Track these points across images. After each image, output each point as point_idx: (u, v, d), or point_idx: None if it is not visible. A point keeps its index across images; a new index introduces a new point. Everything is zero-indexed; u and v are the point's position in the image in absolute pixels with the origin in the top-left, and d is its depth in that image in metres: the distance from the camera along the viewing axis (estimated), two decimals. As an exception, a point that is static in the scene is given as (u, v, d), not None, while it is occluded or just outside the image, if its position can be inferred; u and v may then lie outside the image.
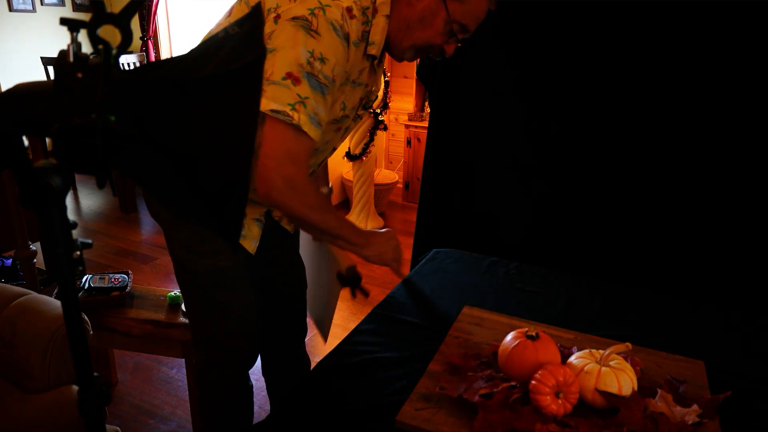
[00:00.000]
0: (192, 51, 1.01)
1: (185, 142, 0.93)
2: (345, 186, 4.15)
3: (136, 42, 5.08)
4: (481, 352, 1.21)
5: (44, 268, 2.54)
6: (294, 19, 1.00)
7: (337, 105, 1.16)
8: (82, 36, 0.50)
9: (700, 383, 1.15)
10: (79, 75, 0.49)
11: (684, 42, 1.68)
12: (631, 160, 1.84)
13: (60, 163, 0.54)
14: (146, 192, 1.15)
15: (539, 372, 0.99)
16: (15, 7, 4.72)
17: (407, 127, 4.12)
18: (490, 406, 0.99)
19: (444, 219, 2.20)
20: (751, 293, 1.73)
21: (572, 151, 1.93)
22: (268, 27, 1.00)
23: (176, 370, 2.20)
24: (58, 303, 1.46)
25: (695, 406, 1.01)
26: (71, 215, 1.61)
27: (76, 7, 5.20)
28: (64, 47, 0.50)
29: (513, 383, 1.05)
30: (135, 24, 5.00)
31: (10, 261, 2.72)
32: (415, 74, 3.95)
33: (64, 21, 0.52)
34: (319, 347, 2.40)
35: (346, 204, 4.18)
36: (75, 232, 0.58)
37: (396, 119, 4.40)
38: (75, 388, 1.38)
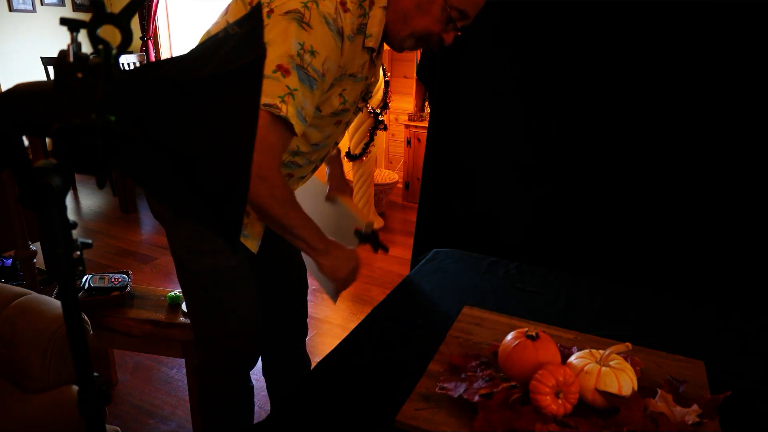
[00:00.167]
0: (192, 51, 1.01)
1: (185, 142, 0.93)
2: (345, 186, 4.14)
3: (136, 42, 5.08)
4: (481, 352, 1.21)
5: (44, 268, 2.54)
6: (287, 13, 1.00)
7: (336, 99, 1.15)
8: (82, 36, 0.50)
9: (700, 383, 1.15)
10: (79, 75, 0.49)
11: (684, 42, 1.68)
12: (631, 161, 1.84)
13: (60, 163, 0.54)
14: (147, 192, 1.15)
15: (539, 372, 0.99)
16: (15, 7, 4.72)
17: (407, 127, 4.12)
18: (490, 406, 0.99)
19: (444, 219, 2.20)
20: (751, 293, 1.73)
21: (572, 151, 1.93)
22: None
23: (176, 370, 2.20)
24: (58, 303, 1.46)
25: (695, 406, 1.01)
26: (71, 215, 1.61)
27: (76, 7, 5.21)
28: (64, 47, 0.50)
29: (513, 383, 1.05)
30: (135, 24, 5.00)
31: (10, 261, 2.72)
32: (415, 74, 3.95)
33: (64, 21, 0.52)
34: (319, 347, 2.40)
35: (346, 204, 4.18)
36: (75, 232, 0.58)
37: (396, 119, 4.40)
38: (75, 388, 1.38)
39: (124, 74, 0.53)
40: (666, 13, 1.68)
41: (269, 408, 1.86)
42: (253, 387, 1.47)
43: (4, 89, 0.58)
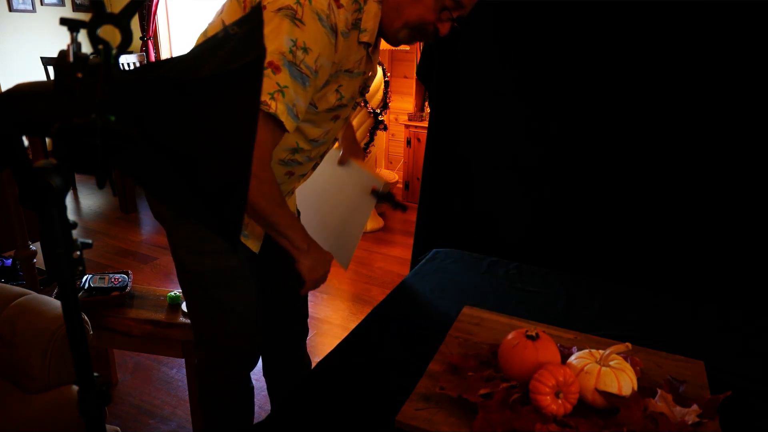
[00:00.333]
0: (192, 51, 1.01)
1: (185, 142, 0.93)
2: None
3: (136, 42, 5.08)
4: (481, 352, 1.21)
5: (44, 268, 2.54)
6: (279, 9, 1.00)
7: (332, 95, 1.15)
8: (82, 36, 0.50)
9: (700, 383, 1.15)
10: (79, 75, 0.49)
11: (684, 42, 1.68)
12: (631, 160, 1.84)
13: (60, 163, 0.54)
14: (147, 192, 1.15)
15: (539, 372, 0.99)
16: (15, 7, 4.72)
17: (407, 127, 4.12)
18: (490, 406, 0.99)
19: (444, 219, 2.20)
20: (751, 293, 1.73)
21: (572, 151, 1.93)
22: None
23: (176, 370, 2.20)
24: (58, 303, 1.46)
25: (695, 406, 1.01)
26: (71, 215, 1.61)
27: (76, 7, 5.21)
28: (64, 47, 0.50)
29: (513, 383, 1.05)
30: (135, 24, 5.00)
31: (10, 261, 2.72)
32: (415, 74, 3.95)
33: (64, 21, 0.52)
34: (319, 347, 2.40)
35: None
36: (75, 232, 0.58)
37: (396, 119, 4.40)
38: (75, 388, 1.38)
39: (124, 74, 0.53)
40: (666, 13, 1.68)
41: (269, 408, 1.86)
42: (253, 387, 1.47)
43: (4, 89, 0.58)
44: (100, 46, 0.50)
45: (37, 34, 4.91)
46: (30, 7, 4.84)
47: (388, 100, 3.60)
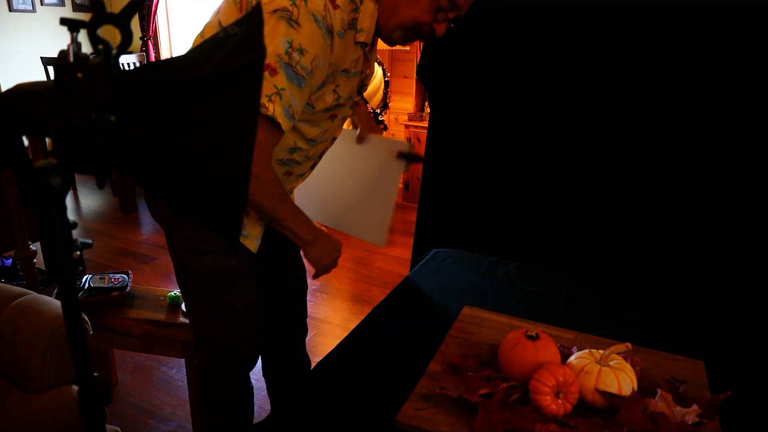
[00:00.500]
0: (192, 51, 1.02)
1: (185, 142, 0.93)
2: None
3: (136, 42, 5.08)
4: (481, 352, 1.21)
5: (44, 268, 2.54)
6: (275, 11, 1.00)
7: (330, 95, 1.15)
8: (82, 36, 0.50)
9: (700, 383, 1.15)
10: (79, 75, 0.49)
11: (684, 42, 1.68)
12: (631, 160, 1.84)
13: (60, 163, 0.54)
14: (147, 192, 1.15)
15: (539, 372, 0.99)
16: (15, 7, 4.72)
17: (407, 127, 4.12)
18: (490, 406, 0.99)
19: (444, 219, 2.20)
20: (751, 293, 1.73)
21: (572, 151, 1.93)
22: None
23: (176, 370, 2.20)
24: (58, 303, 1.46)
25: (695, 406, 1.01)
26: (71, 215, 1.61)
27: (76, 7, 5.21)
28: (64, 47, 0.50)
29: (513, 383, 1.05)
30: (135, 24, 5.00)
31: (10, 261, 2.72)
32: (415, 74, 3.95)
33: (64, 21, 0.52)
34: (319, 347, 2.40)
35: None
36: (75, 232, 0.58)
37: (396, 119, 4.40)
38: (75, 388, 1.38)
39: (124, 74, 0.53)
40: (666, 13, 1.68)
41: (269, 408, 1.86)
42: (252, 387, 1.47)
43: (4, 89, 0.58)
44: (100, 46, 0.50)
45: (37, 34, 4.91)
46: (30, 7, 4.84)
47: (388, 100, 3.60)
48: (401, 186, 4.34)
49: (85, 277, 1.87)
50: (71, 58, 0.49)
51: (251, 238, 1.27)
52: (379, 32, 1.18)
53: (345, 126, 1.54)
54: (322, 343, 2.44)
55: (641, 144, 1.81)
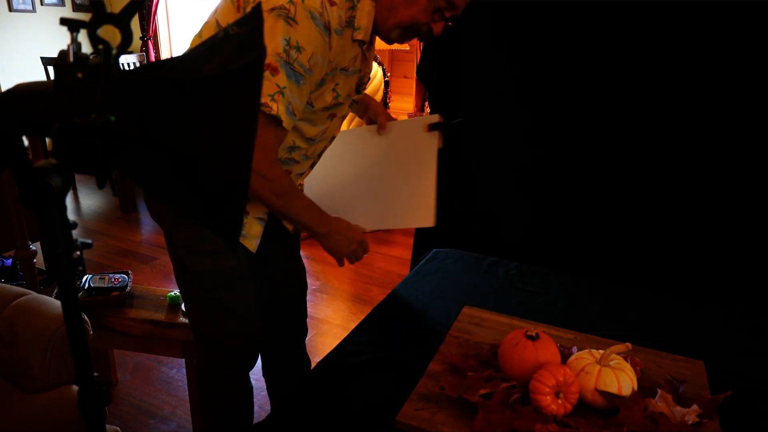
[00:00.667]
0: (192, 51, 1.02)
1: (185, 142, 0.94)
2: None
3: (136, 42, 5.08)
4: (481, 352, 1.21)
5: (44, 268, 2.54)
6: (272, 9, 1.01)
7: (329, 94, 1.16)
8: (82, 36, 0.50)
9: (700, 383, 1.15)
10: (79, 75, 0.49)
11: (684, 42, 1.68)
12: (631, 160, 1.84)
13: (60, 163, 0.54)
14: (146, 192, 1.16)
15: (539, 372, 0.99)
16: (15, 7, 4.72)
17: (407, 127, 4.12)
18: (490, 406, 0.99)
19: (444, 219, 2.20)
20: (751, 293, 1.73)
21: (572, 152, 1.93)
22: None
23: (176, 370, 2.20)
24: (58, 303, 1.46)
25: (695, 406, 1.01)
26: (71, 215, 1.61)
27: (76, 7, 5.20)
28: (64, 47, 0.50)
29: (513, 383, 1.05)
30: (135, 24, 5.00)
31: (10, 261, 2.72)
32: (415, 74, 3.95)
33: (64, 21, 0.52)
34: (319, 347, 2.40)
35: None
36: (75, 232, 0.58)
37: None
38: (75, 388, 1.38)
39: (124, 74, 0.53)
40: (666, 13, 1.68)
41: (269, 408, 1.86)
42: (252, 387, 1.47)
43: (4, 89, 0.58)
44: (100, 46, 0.50)
45: (37, 34, 4.91)
46: (30, 7, 4.83)
47: (388, 100, 3.60)
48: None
49: (85, 277, 1.87)
50: (71, 58, 0.49)
51: (250, 237, 1.27)
52: (377, 31, 1.18)
53: (352, 124, 1.51)
54: (322, 343, 2.44)
55: (641, 144, 1.81)
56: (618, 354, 1.08)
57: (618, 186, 1.88)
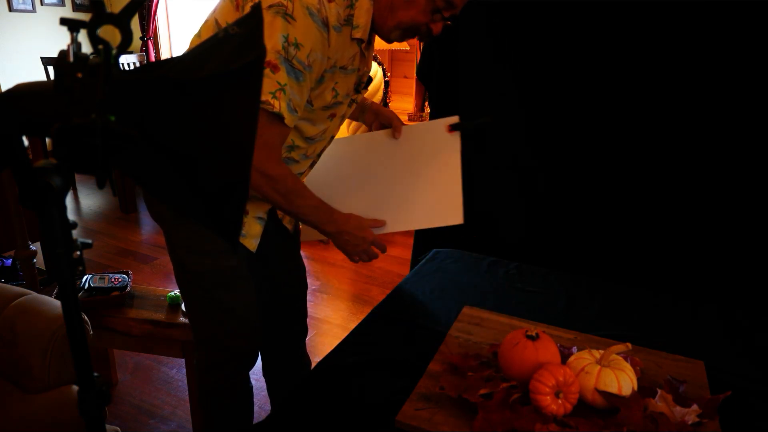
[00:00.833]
0: (192, 51, 1.02)
1: (185, 142, 0.94)
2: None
3: (136, 42, 5.08)
4: (481, 352, 1.21)
5: (44, 268, 2.54)
6: (270, 6, 1.01)
7: (329, 93, 1.16)
8: (82, 36, 0.50)
9: (700, 383, 1.15)
10: (79, 75, 0.49)
11: (684, 42, 1.68)
12: (631, 160, 1.84)
13: (60, 163, 0.54)
14: (146, 192, 1.15)
15: (539, 372, 0.99)
16: (15, 7, 4.72)
17: (407, 127, 4.12)
18: (490, 406, 0.99)
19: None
20: (752, 293, 1.73)
21: (572, 151, 1.93)
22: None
23: (176, 370, 2.20)
24: (58, 303, 1.46)
25: (695, 406, 1.01)
26: (71, 215, 1.61)
27: (76, 7, 5.20)
28: (64, 47, 0.50)
29: (513, 383, 1.05)
30: (135, 24, 5.00)
31: (10, 261, 2.72)
32: (415, 74, 3.95)
33: (64, 21, 0.52)
34: (319, 347, 2.40)
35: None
36: (75, 232, 0.58)
37: (396, 119, 4.39)
38: (75, 388, 1.38)
39: (124, 74, 0.53)
40: (666, 12, 1.68)
41: (269, 408, 1.86)
42: (252, 387, 1.47)
43: (4, 89, 0.58)
44: (100, 46, 0.50)
45: (37, 34, 4.91)
46: (30, 7, 4.83)
47: (388, 100, 3.60)
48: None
49: (85, 277, 1.87)
50: (71, 58, 0.49)
51: (250, 237, 1.27)
52: (377, 30, 1.18)
53: (355, 130, 1.51)
54: (322, 343, 2.44)
55: (641, 144, 1.81)
56: (618, 354, 1.08)
57: (618, 186, 1.88)
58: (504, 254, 1.84)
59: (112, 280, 1.88)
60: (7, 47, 4.72)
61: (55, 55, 0.49)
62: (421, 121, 4.04)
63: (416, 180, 1.44)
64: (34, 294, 1.52)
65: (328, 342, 2.43)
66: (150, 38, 5.07)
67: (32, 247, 2.30)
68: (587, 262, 1.90)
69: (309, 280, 1.60)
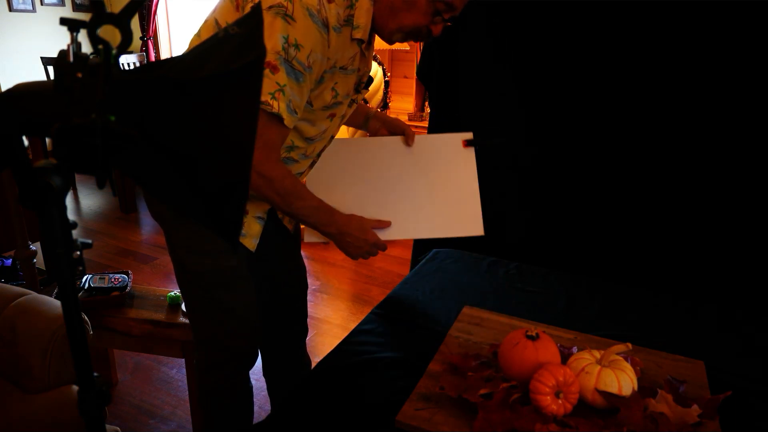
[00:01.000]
0: (192, 51, 1.02)
1: (185, 142, 0.94)
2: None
3: (136, 42, 5.08)
4: (481, 352, 1.21)
5: (44, 268, 2.54)
6: (270, 7, 1.01)
7: (328, 93, 1.16)
8: (82, 36, 0.50)
9: (700, 383, 1.15)
10: (79, 75, 0.49)
11: (684, 42, 1.68)
12: (631, 160, 1.84)
13: (60, 163, 0.54)
14: (147, 192, 1.15)
15: (539, 372, 0.99)
16: (15, 7, 4.72)
17: (407, 127, 4.12)
18: (490, 406, 0.99)
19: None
20: (751, 293, 1.73)
21: (572, 151, 1.93)
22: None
23: (176, 370, 2.20)
24: (58, 303, 1.46)
25: (695, 406, 1.01)
26: (71, 215, 1.61)
27: (76, 7, 5.21)
28: (64, 47, 0.50)
29: (513, 383, 1.05)
30: (135, 24, 5.00)
31: (10, 261, 2.72)
32: (415, 74, 3.95)
33: (64, 21, 0.52)
34: (319, 347, 2.40)
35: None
36: (75, 232, 0.58)
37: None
38: (75, 388, 1.38)
39: (124, 74, 0.53)
40: (666, 12, 1.68)
41: (269, 408, 1.86)
42: (252, 387, 1.47)
43: (4, 89, 0.58)
44: (100, 46, 0.50)
45: (37, 34, 4.91)
46: (30, 7, 4.83)
47: (388, 100, 3.60)
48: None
49: (85, 277, 1.87)
50: (71, 58, 0.49)
51: (249, 236, 1.27)
52: (378, 31, 1.18)
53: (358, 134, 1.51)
54: (322, 343, 2.44)
55: (641, 144, 1.81)
56: (618, 354, 1.08)
57: (618, 186, 1.88)
58: (504, 254, 1.84)
59: (112, 280, 1.88)
60: (7, 47, 4.72)
61: (55, 55, 0.49)
62: (421, 121, 4.04)
63: (432, 189, 1.46)
64: (34, 294, 1.52)
65: (328, 342, 2.43)
66: (150, 38, 5.07)
67: (32, 247, 2.30)
68: (587, 262, 1.90)
69: (309, 280, 1.60)
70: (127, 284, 1.87)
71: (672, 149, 1.78)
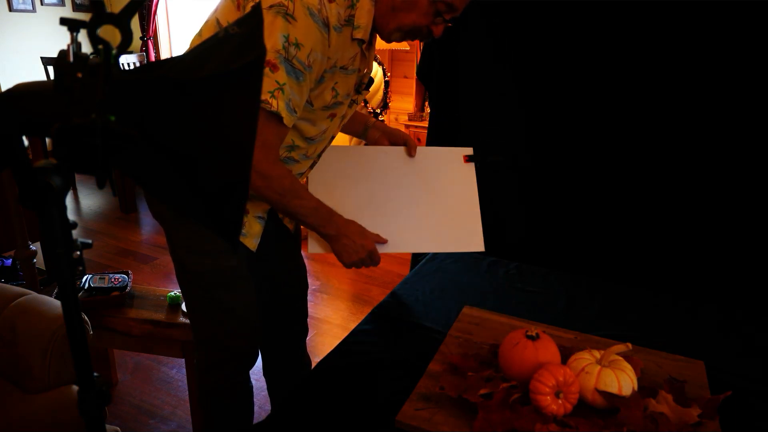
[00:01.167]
0: (192, 51, 1.02)
1: (185, 142, 0.94)
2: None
3: (136, 42, 5.08)
4: (481, 352, 1.21)
5: (44, 268, 2.54)
6: (271, 7, 1.01)
7: (328, 93, 1.16)
8: (82, 36, 0.50)
9: (700, 383, 1.15)
10: (79, 75, 0.49)
11: (684, 42, 1.68)
12: (631, 160, 1.84)
13: (60, 163, 0.54)
14: (147, 192, 1.15)
15: (539, 372, 0.99)
16: (15, 7, 4.73)
17: (407, 127, 4.12)
18: (490, 406, 0.99)
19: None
20: (752, 293, 1.73)
21: (572, 151, 1.93)
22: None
23: (176, 370, 2.20)
24: (58, 303, 1.46)
25: (695, 406, 1.01)
26: (71, 215, 1.61)
27: (76, 7, 5.21)
28: (64, 47, 0.50)
29: (513, 383, 1.05)
30: (135, 24, 5.00)
31: (10, 261, 2.72)
32: (415, 74, 3.95)
33: (64, 21, 0.52)
34: (319, 347, 2.40)
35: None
36: (75, 232, 0.58)
37: (396, 119, 4.40)
38: (75, 388, 1.38)
39: (124, 74, 0.53)
40: (666, 12, 1.68)
41: (269, 408, 1.86)
42: (252, 387, 1.47)
43: (4, 89, 0.58)
44: (100, 46, 0.50)
45: (37, 34, 4.91)
46: (30, 7, 4.84)
47: (388, 100, 3.60)
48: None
49: (85, 277, 1.87)
50: (71, 58, 0.49)
51: (250, 236, 1.27)
52: (378, 31, 1.18)
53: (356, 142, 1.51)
54: (322, 343, 2.44)
55: (641, 144, 1.81)
56: (618, 354, 1.08)
57: (618, 186, 1.88)
58: (504, 254, 1.84)
59: (112, 280, 1.88)
60: (7, 47, 4.72)
61: (55, 55, 0.49)
62: (421, 121, 4.04)
63: (433, 203, 1.46)
64: (34, 294, 1.52)
65: (328, 342, 2.43)
66: (150, 38, 5.07)
67: (32, 247, 2.30)
68: (587, 262, 1.90)
69: (309, 280, 1.60)
70: (127, 284, 1.87)
71: (672, 149, 1.78)
